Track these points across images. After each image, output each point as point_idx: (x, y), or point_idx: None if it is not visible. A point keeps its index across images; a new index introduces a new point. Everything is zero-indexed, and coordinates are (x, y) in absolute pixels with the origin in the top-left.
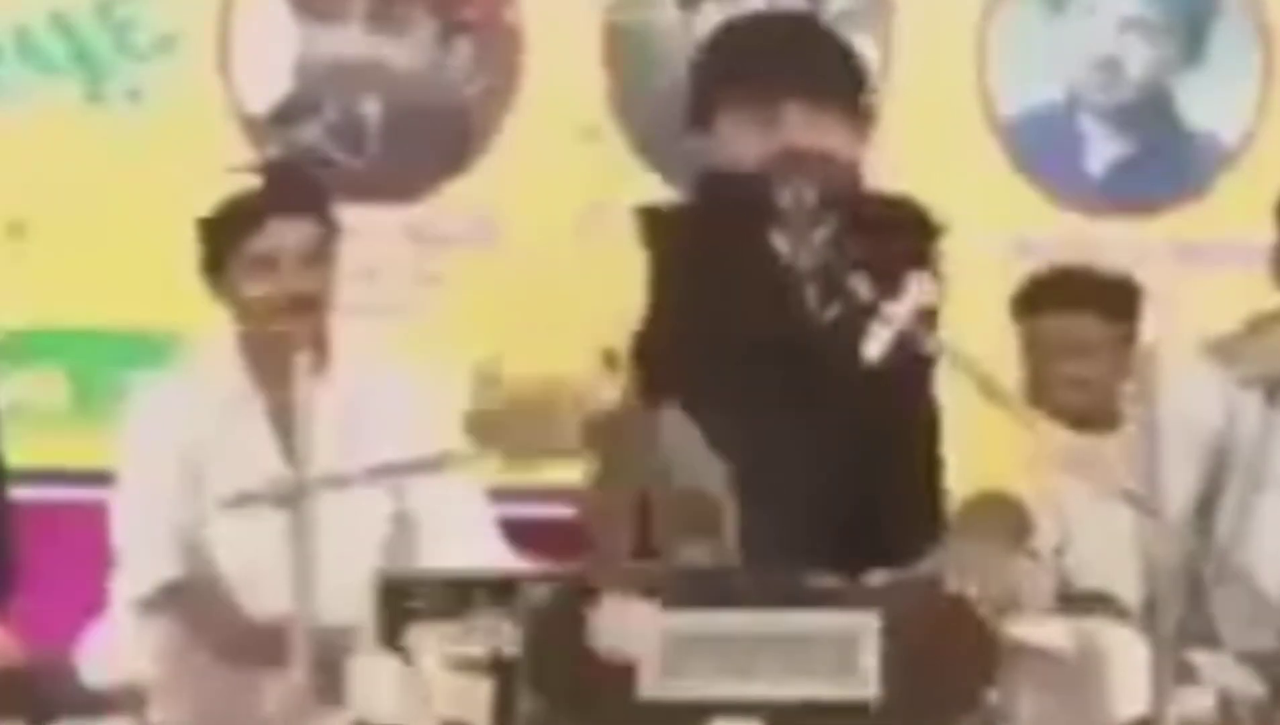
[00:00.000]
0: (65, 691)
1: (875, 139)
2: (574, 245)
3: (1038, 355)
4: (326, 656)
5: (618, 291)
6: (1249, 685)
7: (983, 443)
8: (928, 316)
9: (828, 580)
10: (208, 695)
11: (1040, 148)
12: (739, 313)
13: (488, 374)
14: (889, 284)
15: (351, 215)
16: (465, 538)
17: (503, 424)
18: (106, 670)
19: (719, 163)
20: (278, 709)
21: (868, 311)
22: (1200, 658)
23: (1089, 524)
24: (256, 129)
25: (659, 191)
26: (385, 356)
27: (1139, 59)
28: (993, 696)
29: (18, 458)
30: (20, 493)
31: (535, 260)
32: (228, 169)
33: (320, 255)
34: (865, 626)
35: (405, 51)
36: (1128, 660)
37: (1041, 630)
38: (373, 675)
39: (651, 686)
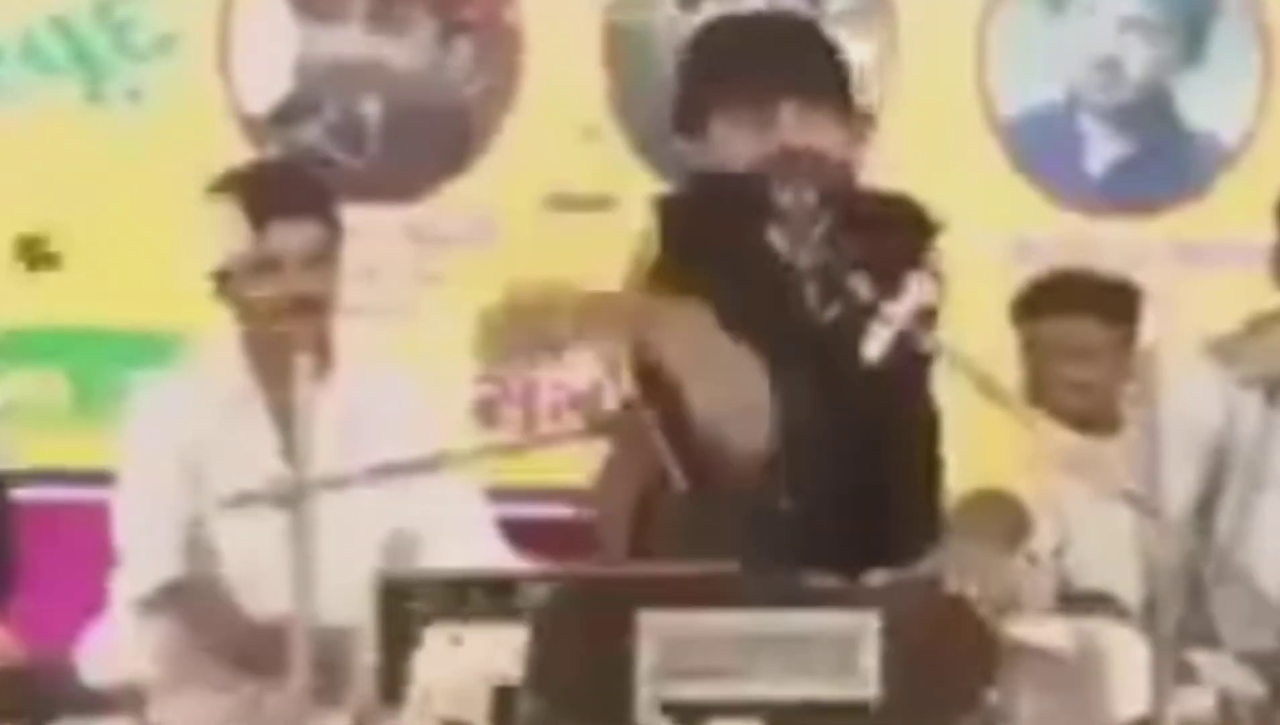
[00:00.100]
0: (65, 691)
1: (875, 139)
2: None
3: (1038, 359)
4: (326, 657)
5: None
6: (1249, 685)
7: (983, 443)
8: (927, 316)
9: (828, 580)
10: (207, 695)
11: (1040, 148)
12: (739, 312)
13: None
14: (888, 283)
15: (351, 215)
16: (464, 538)
17: (505, 325)
18: (106, 670)
19: (712, 165)
20: (277, 709)
21: (868, 311)
22: (1200, 658)
23: (1089, 524)
24: (256, 129)
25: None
26: (385, 357)
27: (1139, 59)
28: (993, 696)
29: (18, 458)
30: (20, 493)
31: (535, 260)
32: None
33: (324, 257)
34: (865, 626)
35: (405, 51)
36: (1128, 660)
37: (1041, 630)
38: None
39: (651, 687)
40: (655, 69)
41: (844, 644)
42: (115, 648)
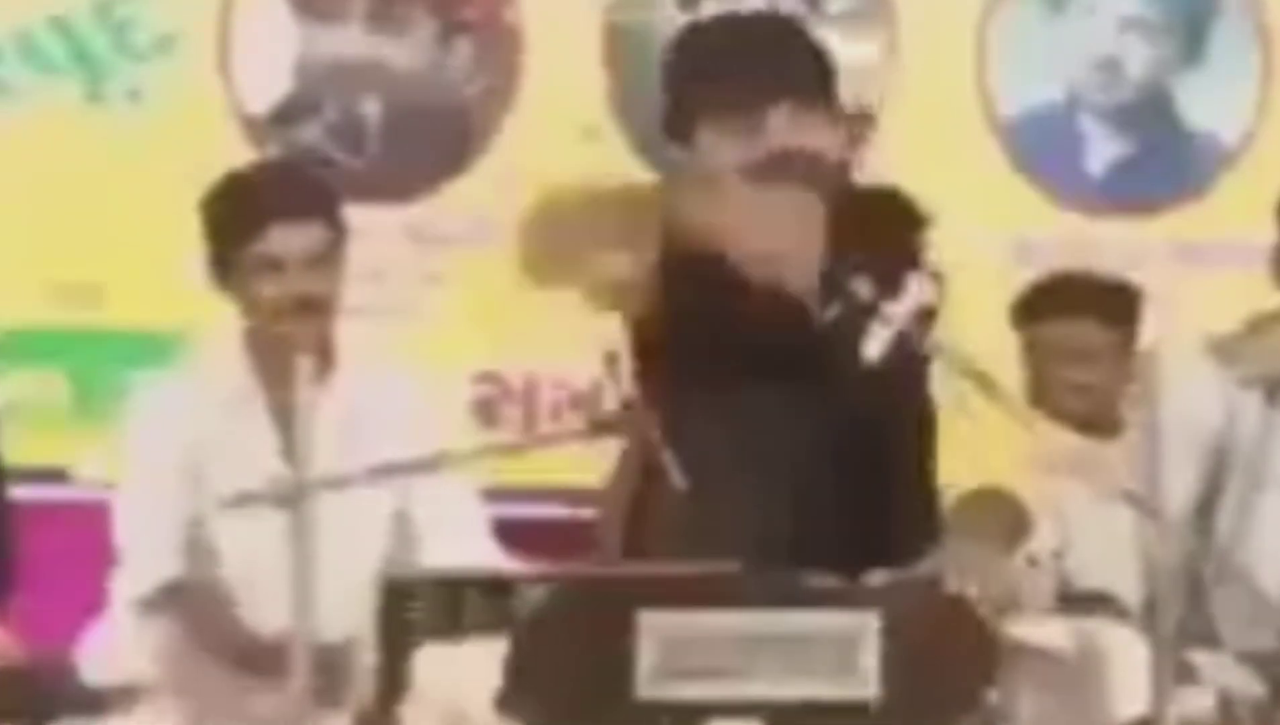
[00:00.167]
0: (65, 691)
1: (875, 139)
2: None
3: (1040, 362)
4: (325, 658)
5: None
6: (1249, 685)
7: (983, 443)
8: (927, 316)
9: (828, 580)
10: (207, 695)
11: (1040, 148)
12: (739, 312)
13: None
14: (888, 283)
15: (352, 215)
16: (456, 537)
17: (548, 228)
18: (106, 670)
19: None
20: (277, 710)
21: (868, 311)
22: (1200, 658)
23: (1089, 525)
24: (256, 129)
25: None
26: (385, 356)
27: (1139, 59)
28: (993, 696)
29: (18, 458)
30: (20, 493)
31: None
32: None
33: (327, 258)
34: (865, 626)
35: (405, 51)
36: (1128, 660)
37: (1041, 630)
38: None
39: (651, 687)
40: (655, 69)
41: (844, 644)
42: (115, 648)
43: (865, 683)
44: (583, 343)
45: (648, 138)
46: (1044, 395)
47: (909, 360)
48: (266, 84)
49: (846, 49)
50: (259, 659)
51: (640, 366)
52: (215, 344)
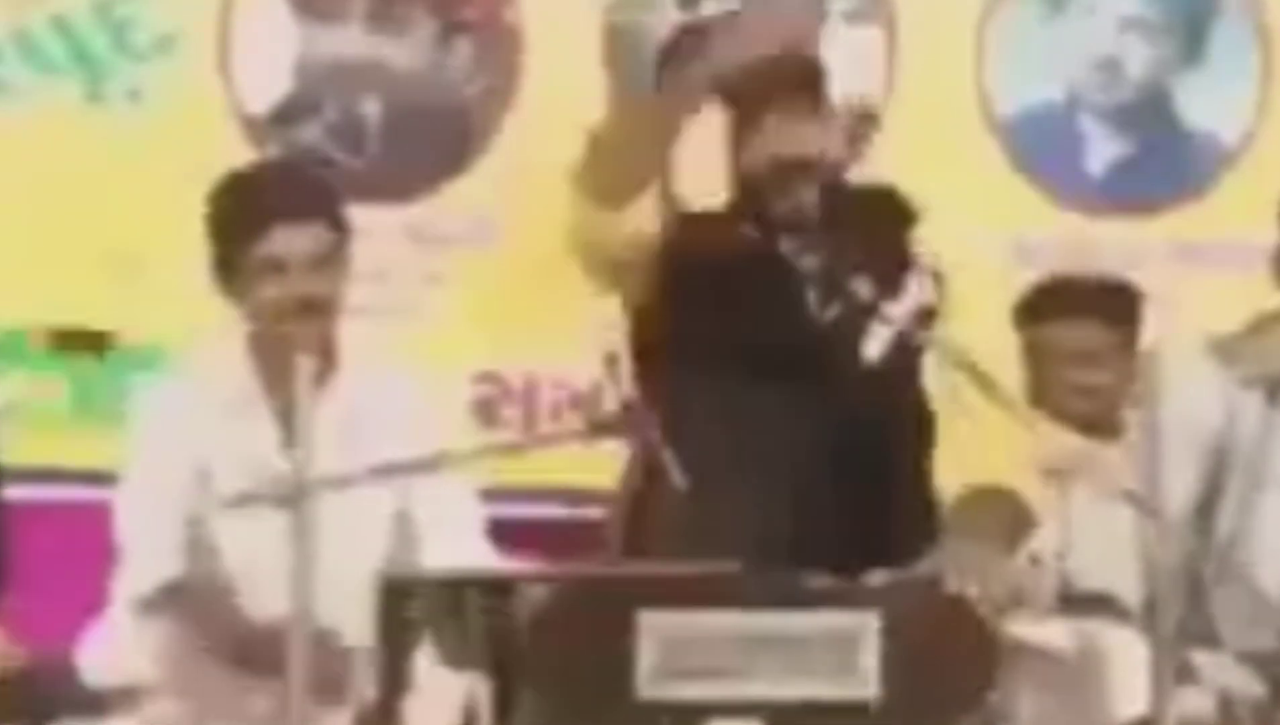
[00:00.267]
0: (65, 691)
1: (875, 139)
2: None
3: (1043, 364)
4: (325, 657)
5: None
6: (1249, 685)
7: (983, 443)
8: (927, 316)
9: (828, 580)
10: (207, 695)
11: (1040, 148)
12: (739, 312)
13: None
14: (888, 283)
15: (352, 215)
16: (451, 537)
17: (593, 156)
18: (106, 670)
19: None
20: (277, 709)
21: (868, 311)
22: (1200, 658)
23: (1090, 525)
24: (256, 129)
25: None
26: (386, 356)
27: (1139, 59)
28: (993, 696)
29: (18, 458)
30: (20, 493)
31: (535, 260)
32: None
33: (330, 259)
34: (865, 626)
35: (405, 51)
36: (1128, 661)
37: (1041, 630)
38: None
39: (651, 687)
40: (655, 69)
41: (844, 644)
42: (115, 648)
43: (865, 683)
44: (583, 343)
45: None
46: (1047, 397)
47: (909, 360)
48: (266, 84)
49: (846, 48)
50: (259, 658)
51: (640, 366)
52: (217, 345)
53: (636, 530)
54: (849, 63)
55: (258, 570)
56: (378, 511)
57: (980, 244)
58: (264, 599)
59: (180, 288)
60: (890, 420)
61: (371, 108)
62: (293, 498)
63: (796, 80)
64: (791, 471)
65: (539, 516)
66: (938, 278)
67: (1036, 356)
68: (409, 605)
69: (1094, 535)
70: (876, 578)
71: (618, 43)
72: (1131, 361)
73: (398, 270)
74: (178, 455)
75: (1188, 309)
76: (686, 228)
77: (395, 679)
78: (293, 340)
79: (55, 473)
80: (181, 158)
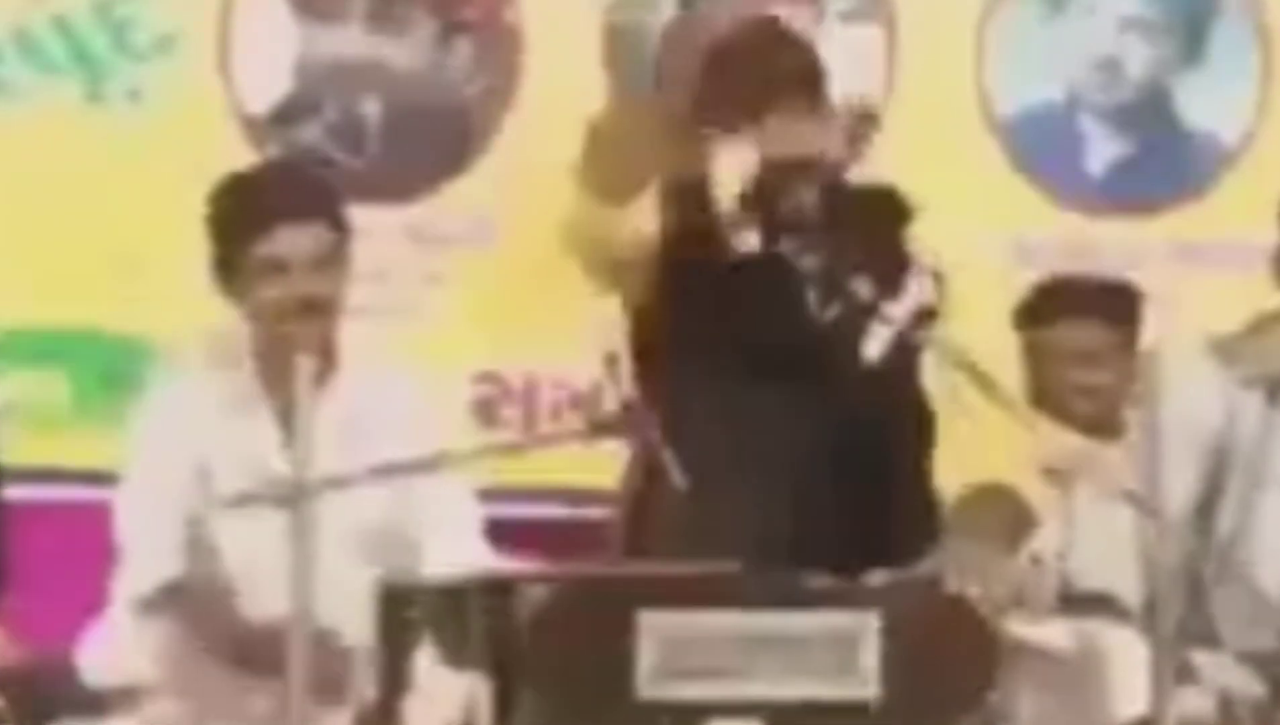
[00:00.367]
0: (65, 691)
1: (875, 139)
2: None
3: (1045, 365)
4: (325, 657)
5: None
6: (1249, 685)
7: (983, 443)
8: (927, 316)
9: (828, 580)
10: (207, 695)
11: (1040, 148)
12: (739, 312)
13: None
14: (888, 283)
15: (352, 215)
16: (449, 537)
17: (596, 151)
18: (106, 670)
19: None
20: (277, 709)
21: (868, 311)
22: (1200, 658)
23: (1090, 525)
24: (256, 129)
25: None
26: (386, 357)
27: (1139, 59)
28: (993, 696)
29: (18, 458)
30: (20, 493)
31: (535, 260)
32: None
33: (331, 259)
34: (865, 626)
35: (405, 51)
36: (1128, 661)
37: (1041, 630)
38: None
39: (651, 687)
40: (655, 69)
41: (844, 644)
42: (115, 648)
43: (865, 683)
44: (583, 343)
45: None
46: (1047, 397)
47: (909, 360)
48: (266, 84)
49: (846, 48)
50: (259, 658)
51: (640, 366)
52: (217, 345)
53: (637, 530)
54: (849, 62)
55: (257, 570)
56: (378, 511)
57: (980, 244)
58: (264, 599)
59: (180, 288)
60: (890, 420)
61: (371, 108)
62: (292, 498)
63: (796, 80)
64: (791, 471)
65: (539, 516)
66: (938, 278)
67: (1037, 357)
68: (409, 606)
69: (1094, 535)
70: (876, 578)
71: (618, 43)
72: (1132, 361)
73: (398, 270)
74: (178, 455)
75: (1188, 309)
76: (686, 227)
77: (395, 679)
78: (293, 340)
79: (55, 473)
80: (181, 158)
